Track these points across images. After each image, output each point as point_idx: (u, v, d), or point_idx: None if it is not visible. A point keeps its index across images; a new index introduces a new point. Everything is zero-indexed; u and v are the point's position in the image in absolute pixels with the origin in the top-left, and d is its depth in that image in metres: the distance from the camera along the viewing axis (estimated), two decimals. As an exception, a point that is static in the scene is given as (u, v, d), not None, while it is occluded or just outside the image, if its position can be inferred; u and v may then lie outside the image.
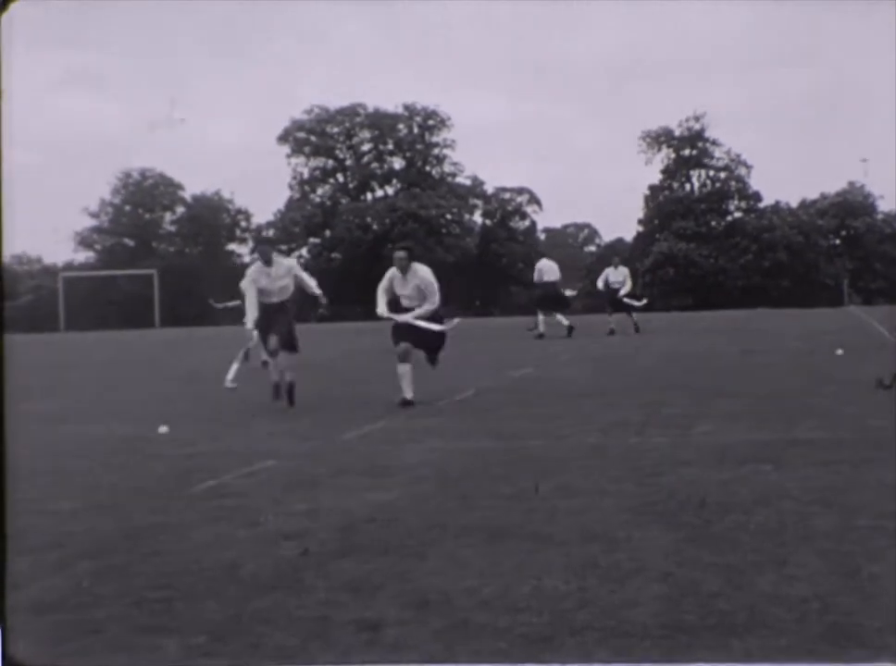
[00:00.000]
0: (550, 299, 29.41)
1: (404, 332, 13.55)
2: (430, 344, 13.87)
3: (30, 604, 5.22)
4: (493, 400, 13.74)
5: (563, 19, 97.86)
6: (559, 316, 28.97)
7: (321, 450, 9.91)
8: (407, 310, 13.63)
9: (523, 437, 10.32)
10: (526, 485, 7.81)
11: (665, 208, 75.40)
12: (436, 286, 13.69)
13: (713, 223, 74.60)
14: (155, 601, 5.19)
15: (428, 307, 13.55)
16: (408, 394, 13.30)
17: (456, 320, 15.19)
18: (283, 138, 78.70)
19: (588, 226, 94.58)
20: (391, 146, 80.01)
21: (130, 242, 76.77)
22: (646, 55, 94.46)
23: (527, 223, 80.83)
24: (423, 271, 13.72)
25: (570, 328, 28.35)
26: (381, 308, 13.67)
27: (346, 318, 62.18)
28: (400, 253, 13.84)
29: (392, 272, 13.78)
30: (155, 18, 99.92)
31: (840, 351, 18.64)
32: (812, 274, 72.33)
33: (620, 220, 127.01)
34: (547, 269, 29.69)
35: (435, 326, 13.62)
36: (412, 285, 13.59)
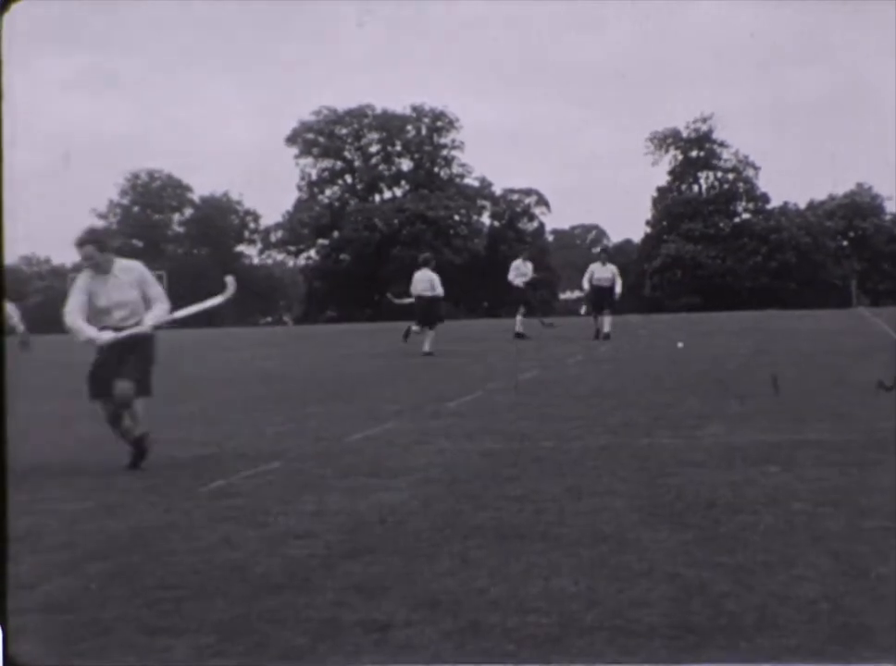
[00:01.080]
0: (515, 300, 29.16)
1: (116, 366, 9.23)
2: (142, 367, 9.39)
3: (40, 604, 5.23)
4: (502, 401, 13.73)
5: (571, 21, 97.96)
6: (518, 317, 28.43)
7: (328, 451, 9.91)
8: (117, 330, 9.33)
9: (532, 439, 10.31)
10: (535, 486, 7.82)
11: (674, 210, 75.49)
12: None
13: (721, 224, 74.64)
14: (165, 601, 5.20)
15: (159, 313, 9.48)
16: (137, 430, 9.35)
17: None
18: (292, 139, 78.93)
19: (596, 227, 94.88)
20: (399, 148, 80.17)
21: (138, 243, 77.01)
22: (655, 57, 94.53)
23: (535, 224, 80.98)
24: (135, 266, 9.65)
25: (520, 334, 27.85)
26: (93, 333, 9.21)
27: (354, 319, 62.20)
28: (88, 249, 9.34)
29: (85, 280, 9.42)
30: (161, 18, 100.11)
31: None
32: (820, 275, 72.34)
33: (628, 222, 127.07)
34: (511, 270, 28.90)
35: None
36: (121, 287, 9.40)
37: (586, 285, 28.01)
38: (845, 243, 74.45)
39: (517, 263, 28.82)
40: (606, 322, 27.11)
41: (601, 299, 27.46)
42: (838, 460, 8.44)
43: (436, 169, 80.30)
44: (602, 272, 27.68)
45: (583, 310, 27.61)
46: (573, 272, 72.59)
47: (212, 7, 74.14)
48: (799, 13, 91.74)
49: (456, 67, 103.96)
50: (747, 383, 14.82)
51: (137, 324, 9.43)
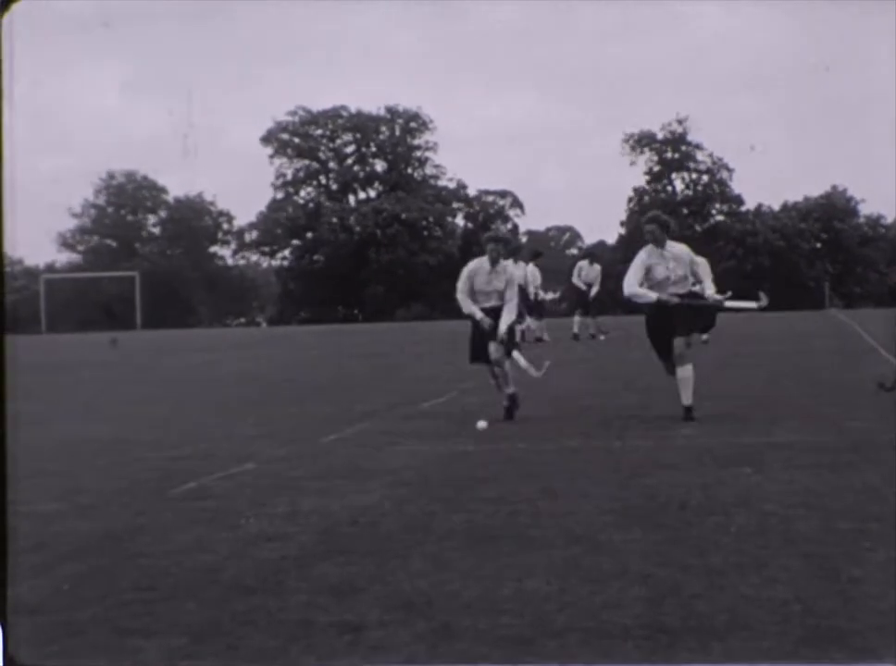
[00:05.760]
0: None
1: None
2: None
3: (12, 606, 5.20)
4: (475, 402, 13.71)
5: (547, 21, 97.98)
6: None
7: (301, 453, 9.89)
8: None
9: (505, 440, 10.31)
10: (508, 487, 7.82)
11: (649, 210, 75.54)
12: None
13: (696, 227, 74.79)
14: (137, 603, 5.18)
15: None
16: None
17: None
18: (267, 139, 78.69)
19: (570, 229, 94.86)
20: (373, 149, 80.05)
21: (112, 244, 76.65)
22: (630, 58, 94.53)
23: (509, 226, 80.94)
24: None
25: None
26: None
27: (328, 321, 62.12)
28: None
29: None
30: (142, 21, 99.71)
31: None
32: (793, 277, 72.60)
33: (602, 223, 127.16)
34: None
35: None
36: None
37: (577, 281, 28.07)
38: (819, 246, 74.72)
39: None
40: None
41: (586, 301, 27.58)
42: (809, 461, 8.47)
43: (410, 170, 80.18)
44: (590, 272, 27.71)
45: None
46: (548, 273, 72.58)
47: (189, 7, 73.88)
48: (774, 15, 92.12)
49: (431, 68, 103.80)
50: (719, 385, 14.86)
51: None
